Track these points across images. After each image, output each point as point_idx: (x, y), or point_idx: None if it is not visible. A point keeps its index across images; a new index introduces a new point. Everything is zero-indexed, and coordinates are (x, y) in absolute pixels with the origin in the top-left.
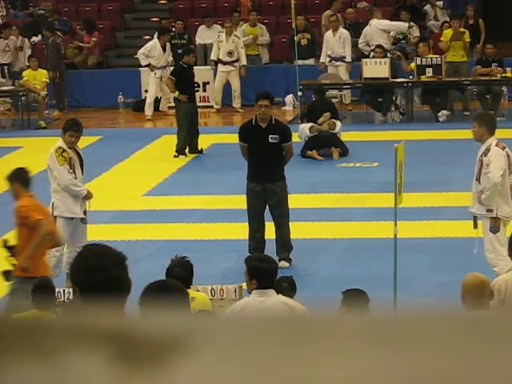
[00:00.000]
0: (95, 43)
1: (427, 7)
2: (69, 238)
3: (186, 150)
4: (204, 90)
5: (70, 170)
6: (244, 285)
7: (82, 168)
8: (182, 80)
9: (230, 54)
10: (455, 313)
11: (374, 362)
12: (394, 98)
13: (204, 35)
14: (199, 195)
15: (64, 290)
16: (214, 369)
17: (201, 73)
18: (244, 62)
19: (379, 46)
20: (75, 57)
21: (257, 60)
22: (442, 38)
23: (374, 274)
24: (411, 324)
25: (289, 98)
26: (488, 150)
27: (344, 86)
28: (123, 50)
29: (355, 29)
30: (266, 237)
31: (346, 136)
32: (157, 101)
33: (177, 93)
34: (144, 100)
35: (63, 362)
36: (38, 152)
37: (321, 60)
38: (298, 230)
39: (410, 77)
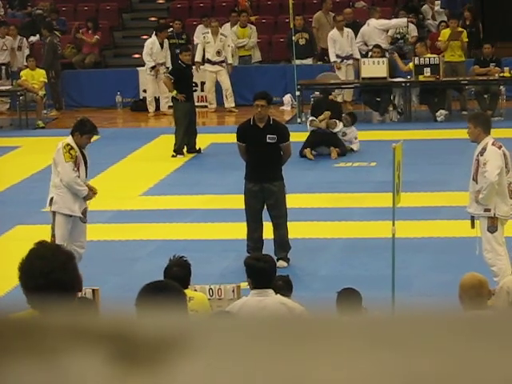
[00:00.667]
0: (98, 41)
1: (425, 7)
2: (68, 236)
3: (184, 150)
4: (202, 90)
5: (75, 168)
6: (242, 284)
7: (86, 168)
8: (181, 79)
9: (218, 53)
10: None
11: (373, 362)
12: (392, 97)
13: (201, 35)
14: (197, 195)
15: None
16: (213, 368)
17: (199, 72)
18: (230, 60)
19: (377, 46)
20: (73, 56)
21: (250, 60)
22: (439, 38)
23: (372, 274)
24: (409, 324)
25: (287, 98)
26: (484, 149)
27: (342, 86)
28: (121, 49)
29: (353, 29)
30: (264, 236)
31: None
32: (156, 100)
33: (175, 92)
34: (142, 100)
35: (62, 362)
36: (35, 152)
37: (332, 60)
38: (296, 230)
39: (408, 77)
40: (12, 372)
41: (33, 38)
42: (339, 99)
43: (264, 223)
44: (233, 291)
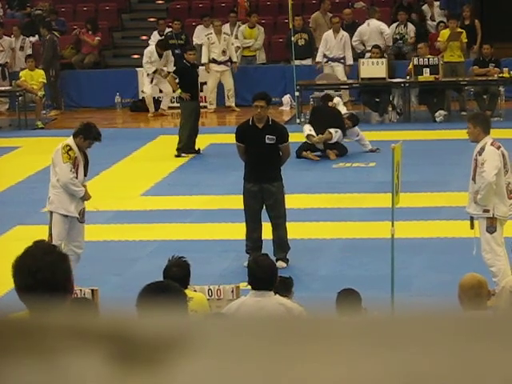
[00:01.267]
0: (99, 42)
1: (425, 7)
2: (64, 235)
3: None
4: (201, 90)
5: (73, 169)
6: (241, 285)
7: (86, 169)
8: (186, 78)
9: (223, 52)
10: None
11: (372, 362)
12: (391, 98)
13: (201, 35)
14: (197, 195)
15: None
16: (212, 368)
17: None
18: (235, 59)
19: (376, 47)
20: (72, 56)
21: (254, 60)
22: (439, 39)
23: (371, 274)
24: (409, 324)
25: (286, 99)
26: (483, 149)
27: (341, 87)
28: (120, 50)
29: (352, 29)
30: (264, 237)
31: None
32: (155, 101)
33: (179, 90)
34: (141, 100)
35: (61, 362)
36: (35, 152)
37: (317, 59)
38: (295, 231)
39: (407, 77)
40: (12, 372)
41: (32, 39)
42: (341, 107)
43: (263, 224)
44: (232, 291)
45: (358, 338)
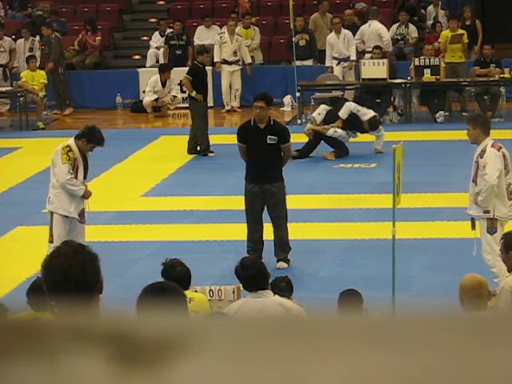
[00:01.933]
0: (100, 42)
1: (430, 8)
2: (65, 235)
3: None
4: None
5: (71, 171)
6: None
7: (86, 172)
8: (198, 79)
9: (235, 53)
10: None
11: (373, 363)
12: (392, 98)
13: (202, 36)
14: (198, 196)
15: None
16: (213, 369)
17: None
18: (249, 60)
19: (377, 47)
20: (73, 57)
21: (252, 61)
22: (439, 40)
23: (372, 275)
24: (409, 324)
25: (287, 99)
26: (484, 151)
27: (342, 87)
28: (121, 50)
29: (353, 30)
30: (265, 238)
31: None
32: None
33: (194, 92)
34: (142, 101)
35: (63, 363)
36: (36, 153)
37: (327, 64)
38: (296, 231)
39: (408, 78)
40: (13, 373)
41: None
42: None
43: (264, 224)
44: (233, 292)
45: (358, 338)
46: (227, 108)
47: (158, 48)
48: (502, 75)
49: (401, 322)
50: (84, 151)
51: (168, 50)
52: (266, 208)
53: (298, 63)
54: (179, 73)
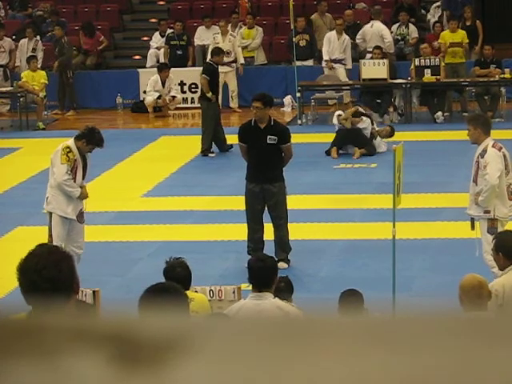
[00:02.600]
0: (101, 43)
1: (434, 6)
2: (64, 235)
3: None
4: None
5: (69, 172)
6: (243, 286)
7: (84, 173)
8: (212, 79)
9: (227, 54)
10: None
11: (373, 363)
12: (392, 98)
13: (203, 36)
14: (198, 196)
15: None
16: (213, 369)
17: (199, 74)
18: (242, 60)
19: (378, 47)
20: (74, 58)
21: (252, 61)
22: (439, 40)
23: (372, 275)
24: (410, 324)
25: (287, 99)
26: (485, 151)
27: (343, 87)
28: (122, 51)
29: (354, 30)
30: (265, 238)
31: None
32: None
33: (210, 93)
34: (142, 101)
35: (63, 363)
36: (36, 153)
37: (325, 58)
38: (296, 231)
39: (409, 78)
40: (13, 373)
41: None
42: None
43: (265, 224)
44: (233, 292)
45: (358, 338)
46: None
47: (158, 48)
48: (502, 75)
49: (401, 322)
50: (83, 152)
51: (168, 50)
52: (266, 208)
53: (298, 63)
54: (179, 73)
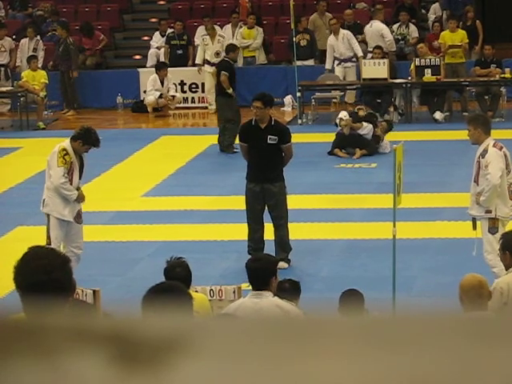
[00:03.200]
0: (100, 42)
1: (435, 5)
2: (63, 238)
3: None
4: (203, 91)
5: (66, 174)
6: (243, 285)
7: (81, 173)
8: (231, 75)
9: (217, 54)
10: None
11: (373, 363)
12: (392, 98)
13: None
14: (198, 196)
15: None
16: (214, 369)
17: (199, 74)
18: None
19: (378, 47)
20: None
21: (254, 61)
22: (439, 40)
23: (373, 275)
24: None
25: (288, 99)
26: (485, 151)
27: (343, 87)
28: (122, 50)
29: (354, 30)
30: (266, 237)
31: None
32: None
33: (231, 89)
34: (142, 101)
35: (63, 363)
36: (36, 153)
37: (327, 67)
38: (297, 231)
39: (409, 78)
40: (13, 373)
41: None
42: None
43: (265, 224)
44: (234, 292)
45: (359, 338)
46: (211, 108)
47: (158, 48)
48: (502, 75)
49: (401, 321)
50: (79, 152)
51: (169, 49)
52: (266, 208)
53: (298, 63)
54: (179, 73)
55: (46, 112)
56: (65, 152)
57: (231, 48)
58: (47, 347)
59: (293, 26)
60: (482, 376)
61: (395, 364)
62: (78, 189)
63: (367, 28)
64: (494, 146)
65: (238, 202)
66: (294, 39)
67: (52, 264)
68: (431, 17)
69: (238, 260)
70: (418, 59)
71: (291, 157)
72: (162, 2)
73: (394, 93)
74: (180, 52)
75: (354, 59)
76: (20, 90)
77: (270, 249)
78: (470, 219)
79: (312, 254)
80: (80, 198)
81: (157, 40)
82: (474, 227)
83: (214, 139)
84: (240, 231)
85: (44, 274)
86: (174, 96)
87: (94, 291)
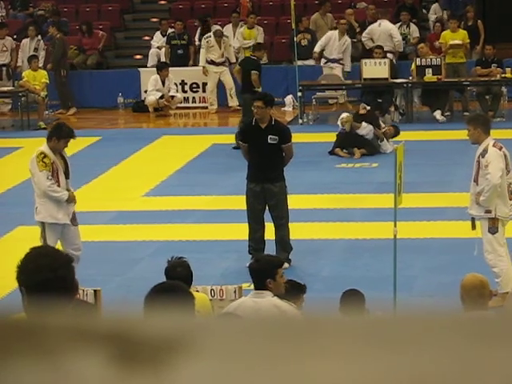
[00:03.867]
0: (101, 39)
1: (435, 5)
2: (56, 242)
3: None
4: (203, 91)
5: (50, 177)
6: (244, 285)
7: (67, 173)
8: (259, 74)
9: (222, 55)
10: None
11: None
12: (393, 98)
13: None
14: (199, 196)
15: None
16: (215, 369)
17: (201, 73)
18: (233, 59)
19: (379, 47)
20: (75, 57)
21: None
22: (440, 40)
23: (373, 275)
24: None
25: (288, 99)
26: (485, 151)
27: (344, 87)
28: (123, 50)
29: (354, 30)
30: (266, 237)
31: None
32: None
33: (260, 88)
34: (143, 101)
35: (63, 363)
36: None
37: (315, 49)
38: (297, 231)
39: (410, 77)
40: (13, 373)
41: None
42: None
43: (266, 224)
44: (234, 292)
45: (359, 338)
46: (212, 108)
47: (159, 48)
48: (503, 75)
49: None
50: (59, 150)
51: (169, 49)
52: (267, 208)
53: (299, 63)
54: (180, 72)
55: (46, 112)
56: (43, 155)
57: (258, 46)
58: (48, 347)
59: (294, 26)
60: (482, 376)
61: (395, 364)
62: (68, 190)
63: (375, 27)
64: (494, 145)
65: (239, 202)
66: (295, 39)
67: (57, 262)
68: (432, 17)
69: (238, 260)
70: (418, 59)
71: (291, 157)
72: (162, 2)
73: (395, 93)
74: (181, 52)
75: (341, 61)
76: (21, 90)
77: (270, 249)
78: (470, 219)
79: (313, 254)
80: (70, 199)
81: (157, 40)
82: (473, 227)
83: (214, 139)
84: (241, 231)
85: (49, 271)
86: (173, 96)
87: (95, 291)
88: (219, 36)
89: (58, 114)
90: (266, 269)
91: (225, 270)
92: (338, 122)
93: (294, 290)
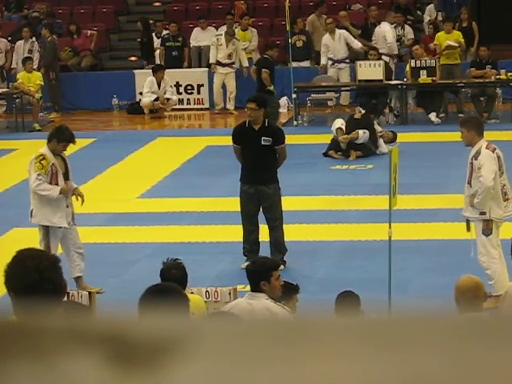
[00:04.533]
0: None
1: (430, 7)
2: (57, 244)
3: None
4: (198, 93)
5: (40, 177)
6: (238, 287)
7: (67, 174)
8: (271, 72)
9: (229, 56)
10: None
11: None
12: (388, 100)
13: (199, 37)
14: (193, 197)
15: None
16: (210, 371)
17: (195, 75)
18: (246, 63)
19: (373, 49)
20: (69, 59)
21: (250, 63)
22: (435, 42)
23: (368, 276)
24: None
25: (283, 101)
26: (478, 153)
27: (339, 89)
28: (117, 52)
29: (364, 31)
30: (261, 239)
31: None
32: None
33: (272, 86)
34: (138, 102)
35: (59, 364)
36: (32, 154)
37: (322, 62)
38: (292, 233)
39: (404, 79)
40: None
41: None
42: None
43: (260, 226)
44: (229, 294)
45: (355, 339)
46: (218, 108)
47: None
48: (498, 76)
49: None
50: (59, 152)
51: (164, 51)
52: (261, 209)
53: (294, 64)
54: (175, 74)
55: (41, 114)
56: (42, 157)
57: (270, 45)
58: (43, 349)
59: (288, 28)
60: (477, 377)
61: (390, 365)
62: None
63: (376, 28)
64: (487, 147)
65: (233, 204)
66: (290, 40)
67: (43, 263)
68: (427, 18)
69: (233, 262)
70: (413, 60)
71: (285, 158)
72: (157, 4)
73: (390, 94)
74: (175, 53)
75: (347, 60)
76: (15, 92)
77: (265, 250)
78: (465, 220)
79: (308, 256)
80: (63, 190)
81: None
82: (468, 229)
83: (208, 141)
84: (235, 233)
85: (36, 273)
86: (168, 99)
87: (90, 292)
88: (231, 35)
89: (53, 117)
90: (260, 271)
91: (220, 272)
92: (333, 130)
93: (286, 291)
